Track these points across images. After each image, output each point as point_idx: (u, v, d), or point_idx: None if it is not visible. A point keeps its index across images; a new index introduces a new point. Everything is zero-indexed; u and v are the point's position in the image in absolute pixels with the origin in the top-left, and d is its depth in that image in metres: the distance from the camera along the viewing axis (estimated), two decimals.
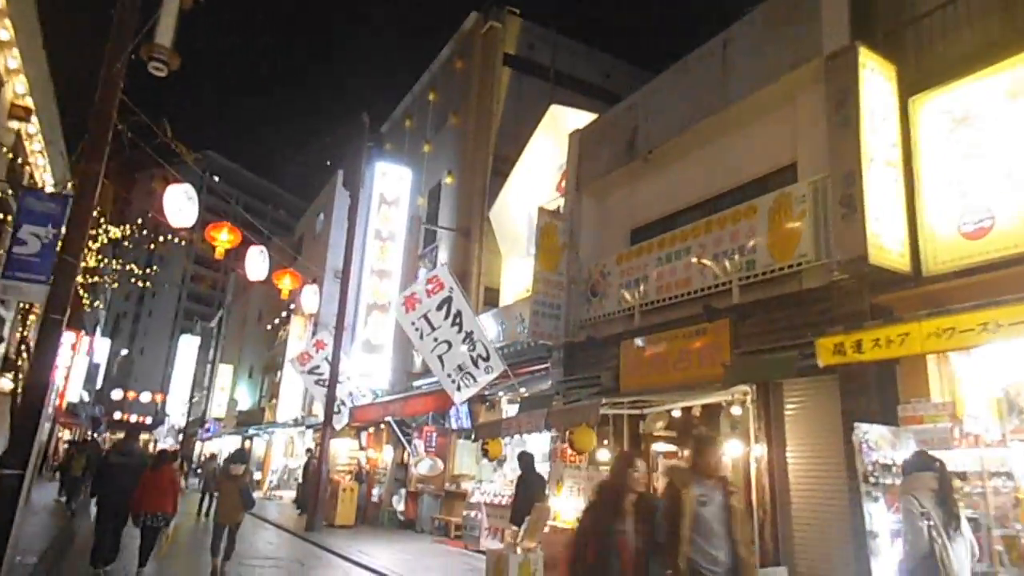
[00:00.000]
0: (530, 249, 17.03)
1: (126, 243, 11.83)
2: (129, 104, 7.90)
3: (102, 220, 9.98)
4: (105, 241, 10.58)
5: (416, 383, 17.17)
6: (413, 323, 11.29)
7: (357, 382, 17.45)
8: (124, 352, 71.92)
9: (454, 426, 15.74)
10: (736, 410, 8.35)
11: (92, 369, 41.99)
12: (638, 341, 9.58)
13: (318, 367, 16.85)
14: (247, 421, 34.64)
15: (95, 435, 46.43)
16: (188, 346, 55.57)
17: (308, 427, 25.52)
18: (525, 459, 9.79)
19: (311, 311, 15.64)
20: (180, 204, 9.63)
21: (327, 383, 16.01)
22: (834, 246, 6.90)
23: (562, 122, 15.71)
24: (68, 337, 30.28)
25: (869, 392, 6.41)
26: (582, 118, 15.30)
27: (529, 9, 21.20)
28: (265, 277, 12.16)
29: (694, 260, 8.95)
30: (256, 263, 12.03)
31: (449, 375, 11.19)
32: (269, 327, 33.35)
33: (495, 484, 12.47)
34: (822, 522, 6.95)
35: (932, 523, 3.94)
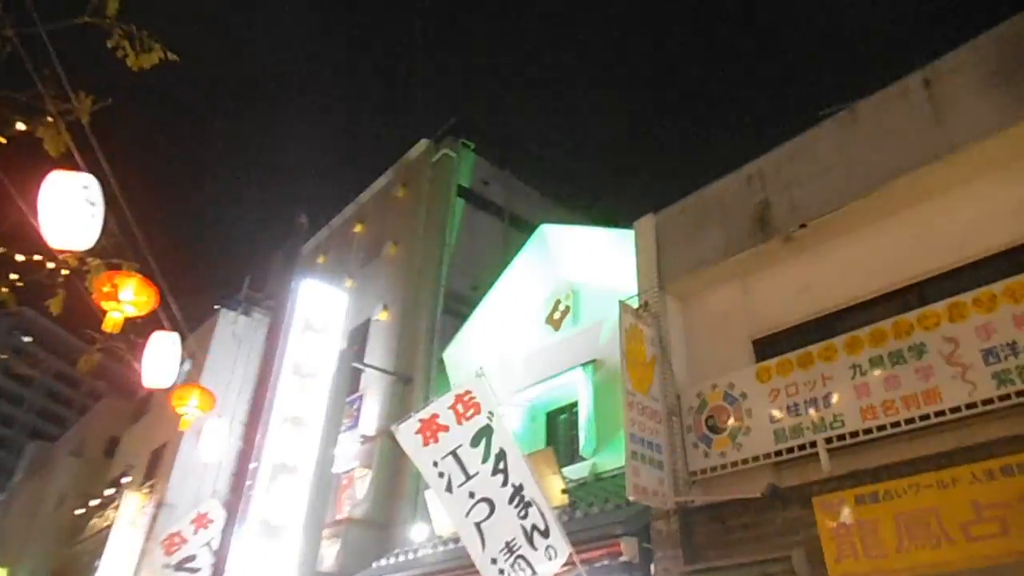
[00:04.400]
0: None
1: None
2: None
3: None
4: None
5: None
6: (435, 463, 6.79)
7: None
8: None
9: None
10: None
11: None
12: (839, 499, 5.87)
13: (192, 558, 10.91)
14: None
15: None
16: None
17: None
18: None
19: (213, 458, 10.21)
20: (73, 207, 5.16)
21: None
22: None
23: (556, 243, 13.09)
24: None
25: None
26: (586, 236, 12.78)
27: (480, 148, 19.52)
28: (170, 385, 7.27)
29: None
30: (161, 358, 7.18)
31: (494, 560, 6.57)
32: (79, 511, 24.76)
33: None
34: None
35: None
